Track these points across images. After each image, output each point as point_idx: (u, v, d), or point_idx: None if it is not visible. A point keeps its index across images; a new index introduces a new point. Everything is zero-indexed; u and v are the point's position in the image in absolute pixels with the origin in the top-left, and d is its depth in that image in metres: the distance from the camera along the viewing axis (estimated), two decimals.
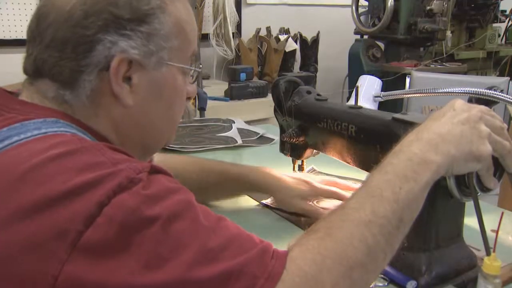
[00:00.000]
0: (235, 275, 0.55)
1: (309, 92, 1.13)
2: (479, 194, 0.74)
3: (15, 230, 0.52)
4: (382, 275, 0.82)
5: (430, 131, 0.70)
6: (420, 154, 0.68)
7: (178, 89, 0.75)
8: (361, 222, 0.62)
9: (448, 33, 3.53)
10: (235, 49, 3.41)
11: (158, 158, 1.11)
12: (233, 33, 3.38)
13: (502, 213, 0.78)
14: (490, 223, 0.82)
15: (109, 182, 0.54)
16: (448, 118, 0.72)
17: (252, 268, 0.56)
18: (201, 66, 0.79)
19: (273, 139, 1.71)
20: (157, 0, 0.69)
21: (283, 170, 1.30)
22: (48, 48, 0.66)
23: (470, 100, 0.96)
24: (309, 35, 3.74)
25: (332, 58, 4.03)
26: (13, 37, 2.87)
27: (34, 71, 0.68)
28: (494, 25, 3.84)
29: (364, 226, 0.62)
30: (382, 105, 1.23)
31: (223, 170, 1.12)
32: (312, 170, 1.33)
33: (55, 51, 0.66)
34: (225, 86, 2.88)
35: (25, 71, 0.70)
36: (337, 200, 1.06)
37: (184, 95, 0.77)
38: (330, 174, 1.30)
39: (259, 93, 2.82)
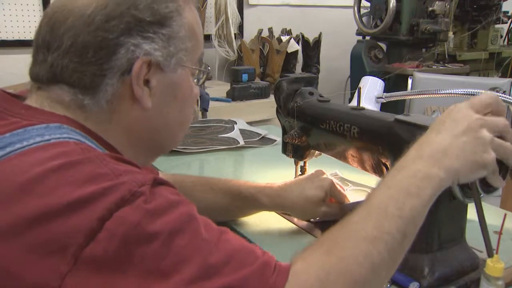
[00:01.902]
0: None
1: (311, 93, 1.12)
2: (481, 195, 0.74)
3: (15, 242, 0.52)
4: None
5: (432, 146, 0.70)
6: (423, 170, 0.67)
7: (190, 90, 0.77)
8: (366, 238, 0.62)
9: (450, 34, 3.53)
10: (237, 50, 3.41)
11: (167, 177, 1.11)
12: (235, 34, 3.39)
13: (505, 215, 0.78)
14: (492, 224, 0.82)
15: (111, 196, 0.54)
16: (449, 129, 0.70)
17: (252, 283, 0.56)
18: (209, 68, 0.80)
19: (275, 140, 1.71)
20: (174, 3, 0.70)
21: (285, 172, 1.30)
22: (67, 53, 0.66)
23: None
24: (311, 36, 3.74)
25: (334, 59, 4.03)
26: (15, 38, 2.88)
27: (50, 77, 0.67)
28: (497, 26, 3.84)
29: (368, 242, 0.62)
30: (384, 106, 1.23)
31: (234, 191, 1.05)
32: (335, 175, 1.32)
33: (75, 56, 0.65)
34: (227, 87, 2.88)
35: (35, 77, 0.69)
36: None
37: (194, 96, 0.79)
38: (352, 180, 1.30)
39: (261, 94, 2.82)
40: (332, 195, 1.04)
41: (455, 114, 0.72)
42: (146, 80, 0.69)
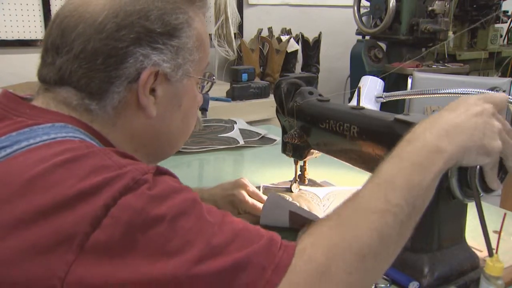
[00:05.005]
0: (243, 266, 0.55)
1: (311, 93, 1.12)
2: (481, 195, 0.74)
3: (21, 235, 0.52)
4: (384, 276, 0.82)
5: (444, 120, 0.69)
6: (433, 143, 0.67)
7: (194, 99, 0.78)
8: (375, 211, 0.62)
9: (450, 34, 3.53)
10: (237, 50, 3.41)
11: None
12: (235, 34, 3.39)
13: (505, 214, 0.78)
14: (492, 224, 0.82)
15: (115, 184, 0.55)
16: (463, 109, 0.70)
17: (259, 259, 0.56)
18: (214, 77, 0.81)
19: (275, 140, 1.71)
20: (185, 14, 0.71)
21: (285, 171, 1.30)
22: (77, 59, 0.66)
23: None
24: (311, 36, 3.74)
25: (334, 59, 4.03)
26: (15, 37, 2.88)
27: (57, 79, 0.68)
28: (496, 25, 3.84)
29: (377, 214, 0.62)
30: (384, 106, 1.23)
31: None
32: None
33: (85, 62, 0.66)
34: (227, 86, 2.87)
35: (43, 79, 0.70)
36: None
37: (197, 104, 0.80)
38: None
39: (261, 93, 2.82)
40: (243, 210, 1.04)
41: (468, 100, 0.72)
42: (152, 89, 0.70)
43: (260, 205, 1.03)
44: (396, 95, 1.19)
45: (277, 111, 1.19)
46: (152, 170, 0.59)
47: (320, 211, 1.09)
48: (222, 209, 1.00)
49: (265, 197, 1.06)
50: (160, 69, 0.69)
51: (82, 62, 0.66)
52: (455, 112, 0.70)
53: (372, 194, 0.64)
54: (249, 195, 1.04)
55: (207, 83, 0.81)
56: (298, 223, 0.97)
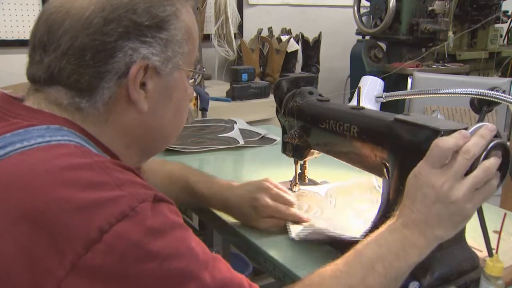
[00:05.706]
0: None
1: (311, 93, 1.12)
2: None
3: (12, 238, 0.52)
4: None
5: (412, 217, 0.71)
6: (411, 238, 0.71)
7: (185, 92, 0.77)
8: (351, 287, 0.68)
9: (450, 34, 3.52)
10: (236, 50, 3.41)
11: (155, 163, 1.13)
12: (234, 34, 3.38)
13: (505, 214, 0.78)
14: (492, 224, 0.82)
15: (111, 207, 0.54)
16: (421, 202, 0.71)
17: None
18: (204, 69, 0.81)
19: (275, 140, 1.71)
20: (172, 6, 0.70)
21: (285, 171, 1.30)
22: (65, 55, 0.65)
23: (472, 101, 0.96)
24: (311, 36, 3.74)
25: (334, 59, 4.03)
26: (15, 37, 2.88)
27: (46, 78, 0.67)
28: (496, 25, 3.83)
29: None
30: (384, 106, 1.23)
31: (189, 189, 1.08)
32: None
33: (73, 59, 0.65)
34: (226, 86, 2.87)
35: (32, 78, 0.69)
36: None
37: (188, 97, 0.79)
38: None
39: (261, 93, 2.82)
40: (266, 214, 1.02)
41: (420, 184, 0.71)
42: (142, 83, 0.69)
43: (283, 208, 1.01)
44: (396, 95, 1.19)
45: (277, 111, 1.19)
46: (150, 198, 0.58)
47: (330, 207, 1.12)
48: (245, 213, 1.02)
49: (292, 198, 1.04)
50: (149, 63, 0.68)
51: (71, 59, 0.65)
52: (416, 205, 0.71)
53: (351, 273, 0.69)
54: (272, 199, 1.02)
55: (198, 75, 0.81)
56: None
